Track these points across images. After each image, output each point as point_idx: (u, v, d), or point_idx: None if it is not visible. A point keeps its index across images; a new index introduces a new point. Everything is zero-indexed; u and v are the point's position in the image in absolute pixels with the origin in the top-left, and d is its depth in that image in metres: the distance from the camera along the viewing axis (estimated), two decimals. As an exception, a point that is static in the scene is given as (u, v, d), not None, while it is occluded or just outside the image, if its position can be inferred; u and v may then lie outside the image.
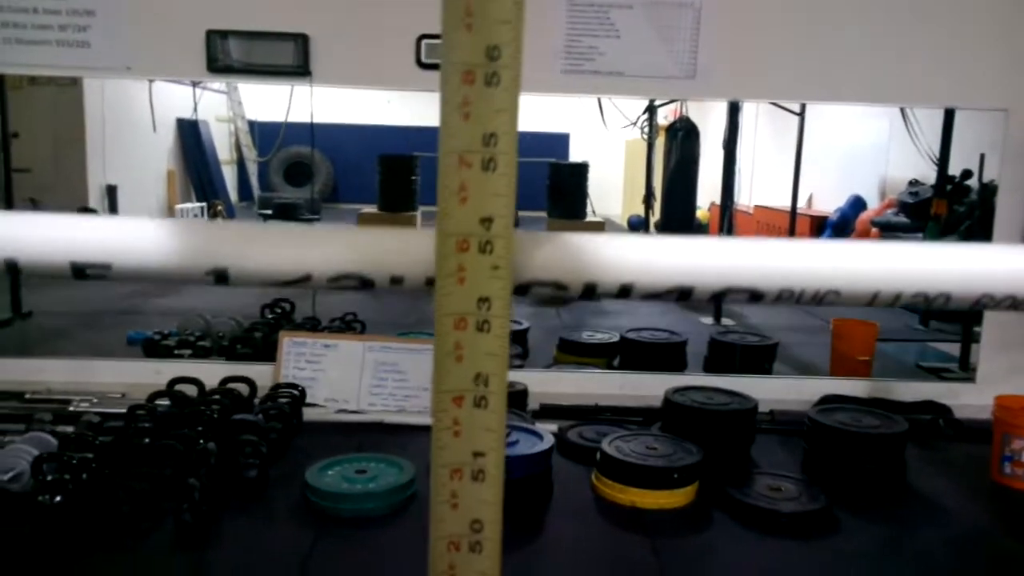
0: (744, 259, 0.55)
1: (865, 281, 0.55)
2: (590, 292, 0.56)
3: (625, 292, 0.55)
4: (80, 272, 0.53)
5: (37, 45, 2.14)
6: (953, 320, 4.55)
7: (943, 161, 4.57)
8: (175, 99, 9.33)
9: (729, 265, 0.55)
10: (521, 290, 0.56)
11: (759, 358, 2.74)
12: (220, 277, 0.54)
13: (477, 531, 0.60)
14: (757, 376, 2.57)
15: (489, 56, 0.50)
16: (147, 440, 1.64)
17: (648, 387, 2.18)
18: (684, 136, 7.09)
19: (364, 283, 0.55)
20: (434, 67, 2.18)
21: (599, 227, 6.66)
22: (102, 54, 2.16)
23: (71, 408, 1.97)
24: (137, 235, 0.53)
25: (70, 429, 1.75)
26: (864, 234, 7.28)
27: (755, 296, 0.54)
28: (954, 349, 4.20)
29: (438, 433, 0.57)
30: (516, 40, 0.50)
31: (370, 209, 7.43)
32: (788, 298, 0.54)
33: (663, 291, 0.55)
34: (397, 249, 0.54)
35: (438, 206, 0.54)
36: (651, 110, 7.74)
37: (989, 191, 3.79)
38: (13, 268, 0.53)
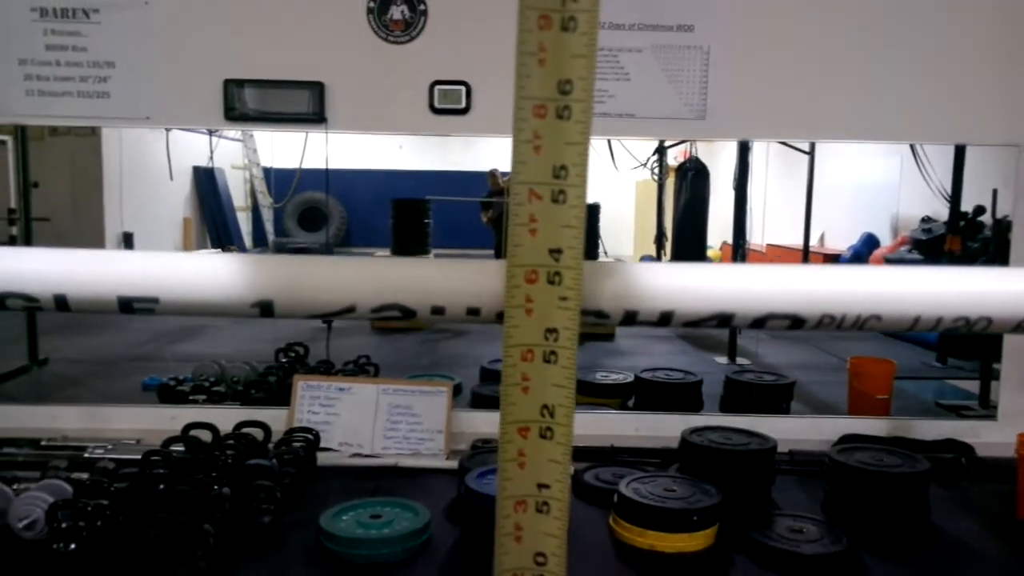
0: (784, 285, 0.54)
1: (906, 306, 0.54)
2: (630, 320, 0.55)
3: (665, 320, 0.54)
4: (127, 307, 0.53)
5: (59, 96, 2.18)
6: (971, 357, 4.51)
7: (955, 197, 4.57)
8: (192, 147, 9.49)
9: (770, 291, 0.54)
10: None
11: (776, 397, 2.71)
12: (265, 310, 0.54)
13: (541, 564, 0.59)
14: (775, 416, 2.54)
15: (561, 91, 0.50)
16: (162, 486, 1.63)
17: (664, 427, 2.16)
18: (694, 176, 7.13)
19: (406, 313, 0.55)
20: (447, 112, 2.21)
21: (611, 268, 6.68)
22: (122, 104, 2.20)
23: (86, 455, 1.97)
24: (183, 269, 0.54)
25: (85, 476, 1.74)
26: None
27: (796, 322, 0.54)
28: (973, 387, 4.15)
29: (504, 464, 0.56)
30: (588, 74, 0.51)
31: (383, 253, 7.48)
32: (829, 324, 0.54)
33: (703, 318, 0.54)
34: (440, 277, 0.54)
35: (509, 239, 0.54)
36: (661, 151, 7.80)
37: (1003, 227, 3.78)
38: (63, 303, 0.53)
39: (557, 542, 0.56)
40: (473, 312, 0.54)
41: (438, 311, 0.55)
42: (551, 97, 0.51)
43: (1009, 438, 1.93)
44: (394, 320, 0.54)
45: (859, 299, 0.54)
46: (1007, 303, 0.54)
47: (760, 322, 0.54)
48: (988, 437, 2.21)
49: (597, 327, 0.61)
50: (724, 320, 0.54)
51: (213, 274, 0.54)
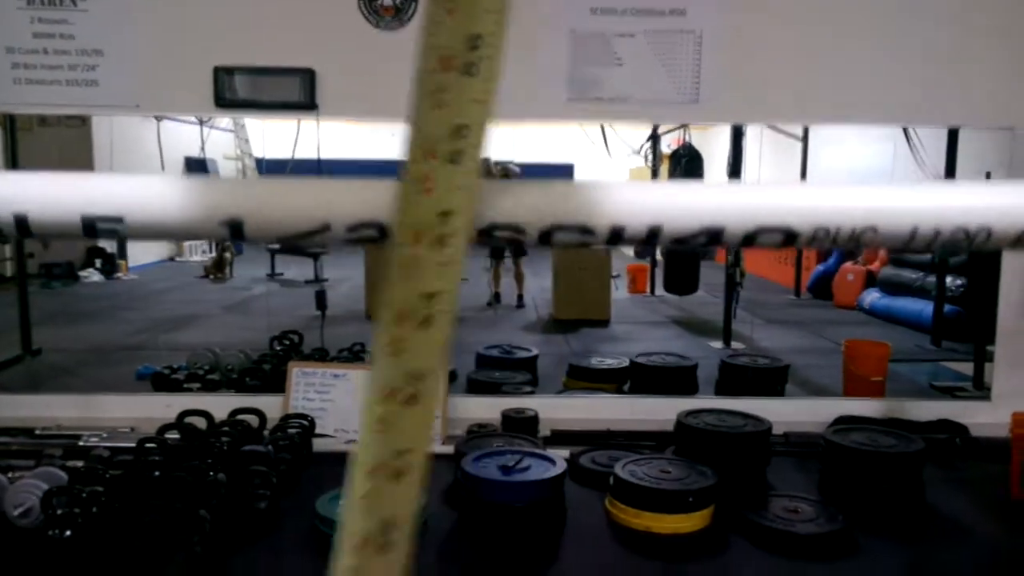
0: (776, 199, 0.53)
1: (903, 217, 0.53)
2: (617, 237, 0.54)
3: (653, 236, 0.53)
4: (91, 228, 0.52)
5: (47, 85, 2.17)
6: (965, 339, 4.53)
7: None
8: (183, 138, 9.44)
9: (760, 205, 0.53)
10: (545, 238, 0.54)
11: (771, 380, 2.72)
12: (235, 229, 0.52)
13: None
14: (770, 398, 2.54)
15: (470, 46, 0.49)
16: (157, 473, 1.63)
17: (659, 411, 2.16)
18: (688, 162, 7.12)
19: (383, 233, 0.53)
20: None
21: (605, 257, 6.66)
22: (111, 92, 2.18)
23: (81, 443, 1.96)
24: (149, 190, 0.53)
25: (80, 464, 1.74)
26: (872, 257, 7.27)
27: (789, 237, 0.52)
28: (967, 368, 4.16)
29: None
30: (499, 29, 0.49)
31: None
32: (823, 238, 0.52)
33: (692, 234, 0.53)
34: None
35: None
36: (655, 138, 7.79)
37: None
38: (23, 224, 0.52)
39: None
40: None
41: None
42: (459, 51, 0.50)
43: (1003, 418, 1.94)
44: (371, 241, 0.53)
45: (854, 212, 0.53)
46: (1008, 213, 0.53)
47: (751, 238, 0.53)
48: (982, 418, 2.21)
49: (583, 246, 0.59)
50: (714, 236, 0.53)
51: (180, 193, 0.52)
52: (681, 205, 0.54)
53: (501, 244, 0.63)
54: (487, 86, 0.50)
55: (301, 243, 0.55)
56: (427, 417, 0.54)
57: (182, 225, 0.53)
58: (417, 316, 0.51)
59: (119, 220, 0.52)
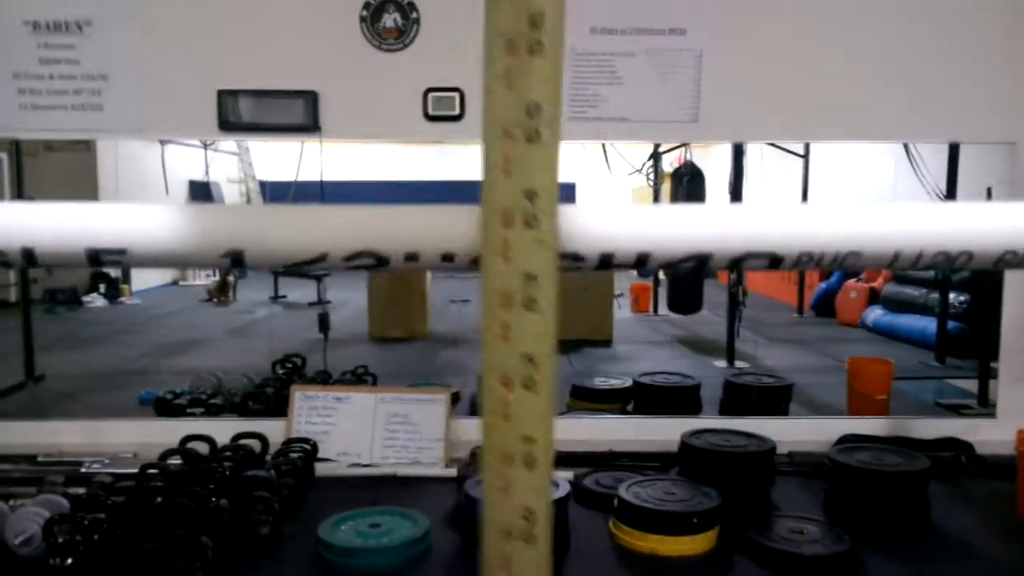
0: (762, 224, 0.54)
1: (885, 241, 0.53)
2: (606, 263, 0.55)
3: (642, 261, 0.54)
4: (95, 259, 0.53)
5: (52, 110, 2.18)
6: (970, 356, 4.51)
7: (950, 196, 4.58)
8: (187, 162, 9.49)
9: (747, 231, 0.53)
10: None
11: (775, 399, 2.71)
12: (236, 259, 0.53)
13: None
14: (774, 417, 2.53)
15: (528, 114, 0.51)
16: (159, 499, 1.62)
17: (663, 431, 2.14)
18: (689, 180, 7.14)
19: (380, 261, 0.54)
20: (440, 119, 2.21)
21: (608, 275, 6.67)
22: (115, 116, 2.20)
23: (83, 469, 1.95)
24: (152, 220, 0.53)
25: (82, 491, 1.73)
26: (875, 275, 7.27)
27: (775, 261, 0.53)
28: (972, 386, 4.14)
29: (488, 419, 0.55)
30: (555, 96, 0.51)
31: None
32: (807, 262, 0.53)
33: (680, 259, 0.54)
34: (412, 225, 0.54)
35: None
36: (656, 156, 7.82)
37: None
38: (30, 256, 0.53)
39: (544, 499, 0.56)
40: (451, 259, 0.54)
41: (412, 258, 0.54)
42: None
43: (1008, 435, 1.93)
44: (368, 268, 0.54)
45: (838, 236, 0.54)
46: (987, 236, 0.54)
47: (737, 262, 0.54)
48: (987, 435, 2.20)
49: (570, 270, 0.60)
50: (701, 261, 0.54)
51: (182, 224, 0.53)
52: (669, 230, 0.54)
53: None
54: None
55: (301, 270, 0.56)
56: (544, 403, 0.55)
57: (184, 256, 0.54)
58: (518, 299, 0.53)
59: (122, 252, 0.53)
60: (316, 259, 0.53)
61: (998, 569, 1.61)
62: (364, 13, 2.18)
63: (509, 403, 0.55)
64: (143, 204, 0.55)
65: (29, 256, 0.52)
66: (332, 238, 0.54)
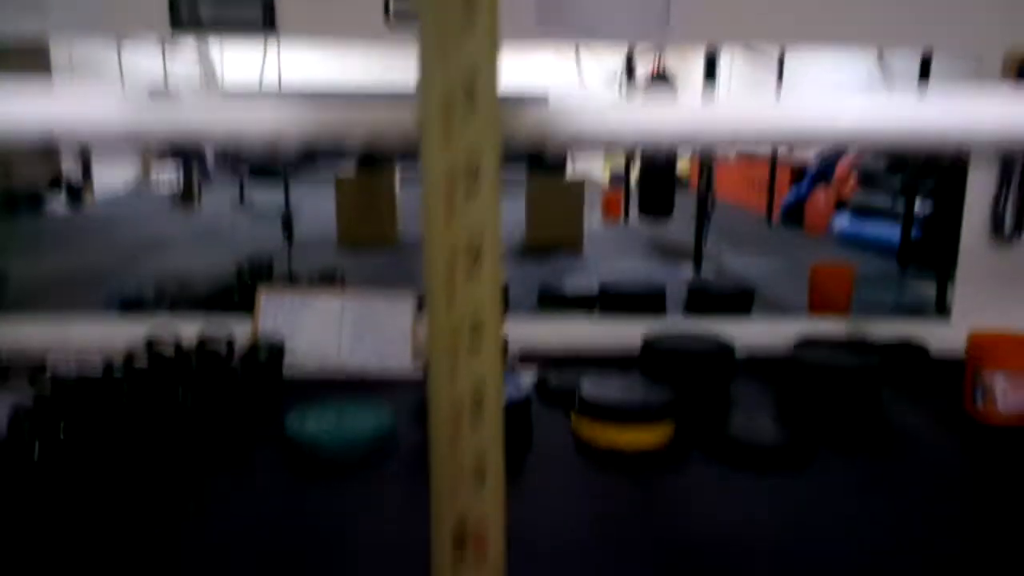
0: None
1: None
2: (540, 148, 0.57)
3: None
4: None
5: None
6: (930, 265, 4.60)
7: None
8: (147, 72, 9.18)
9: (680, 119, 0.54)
10: None
11: (738, 304, 2.75)
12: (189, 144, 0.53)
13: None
14: (735, 319, 2.58)
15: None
16: (125, 394, 1.63)
17: (628, 333, 2.18)
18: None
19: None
20: (403, 19, 2.15)
21: (580, 186, 6.61)
22: (63, 15, 2.11)
23: (48, 366, 1.95)
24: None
25: (47, 384, 1.73)
26: (845, 180, 7.30)
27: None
28: (931, 291, 4.24)
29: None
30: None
31: (348, 167, 7.34)
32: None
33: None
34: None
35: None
36: (630, 63, 7.67)
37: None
38: None
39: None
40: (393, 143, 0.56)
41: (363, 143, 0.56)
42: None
43: (962, 338, 1.99)
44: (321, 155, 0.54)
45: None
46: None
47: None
48: (942, 337, 2.26)
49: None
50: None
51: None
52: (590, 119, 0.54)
53: None
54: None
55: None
56: (492, 286, 0.57)
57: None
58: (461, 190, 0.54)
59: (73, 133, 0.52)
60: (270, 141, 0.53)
61: (943, 463, 1.69)
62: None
63: (455, 286, 0.56)
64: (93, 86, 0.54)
65: None
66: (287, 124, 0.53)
